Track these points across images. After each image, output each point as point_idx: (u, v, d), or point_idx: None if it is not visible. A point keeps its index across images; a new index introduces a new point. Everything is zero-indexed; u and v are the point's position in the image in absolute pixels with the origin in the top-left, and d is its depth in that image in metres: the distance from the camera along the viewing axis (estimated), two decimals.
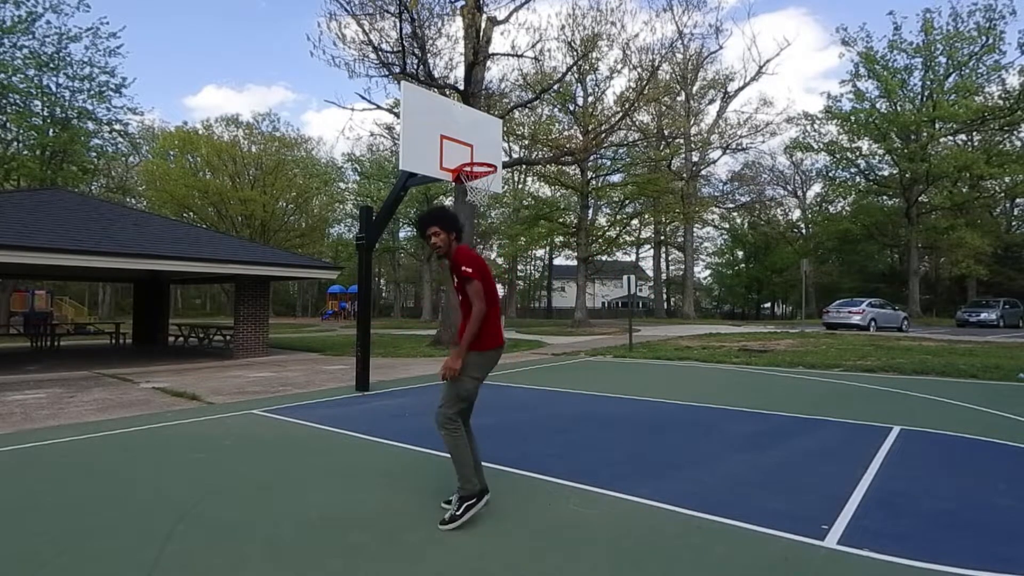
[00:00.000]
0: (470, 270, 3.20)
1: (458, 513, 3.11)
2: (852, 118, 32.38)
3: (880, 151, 33.82)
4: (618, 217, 34.62)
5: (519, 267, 44.21)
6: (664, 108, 33.09)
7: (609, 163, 31.72)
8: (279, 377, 9.80)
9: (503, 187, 18.17)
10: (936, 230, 33.43)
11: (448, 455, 3.24)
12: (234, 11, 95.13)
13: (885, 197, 37.64)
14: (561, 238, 33.93)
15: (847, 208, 41.66)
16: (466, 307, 3.30)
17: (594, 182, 31.25)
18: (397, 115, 14.94)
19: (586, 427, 5.78)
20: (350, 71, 16.34)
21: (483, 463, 3.56)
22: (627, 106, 20.55)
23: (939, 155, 31.38)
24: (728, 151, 39.89)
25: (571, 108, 28.12)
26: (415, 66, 15.08)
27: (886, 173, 35.05)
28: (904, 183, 32.48)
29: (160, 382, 9.10)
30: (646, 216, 37.34)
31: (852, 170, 36.35)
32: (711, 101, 39.13)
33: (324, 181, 43.33)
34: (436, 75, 15.66)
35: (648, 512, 3.36)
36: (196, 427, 5.82)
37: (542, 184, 35.35)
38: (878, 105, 32.40)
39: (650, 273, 47.87)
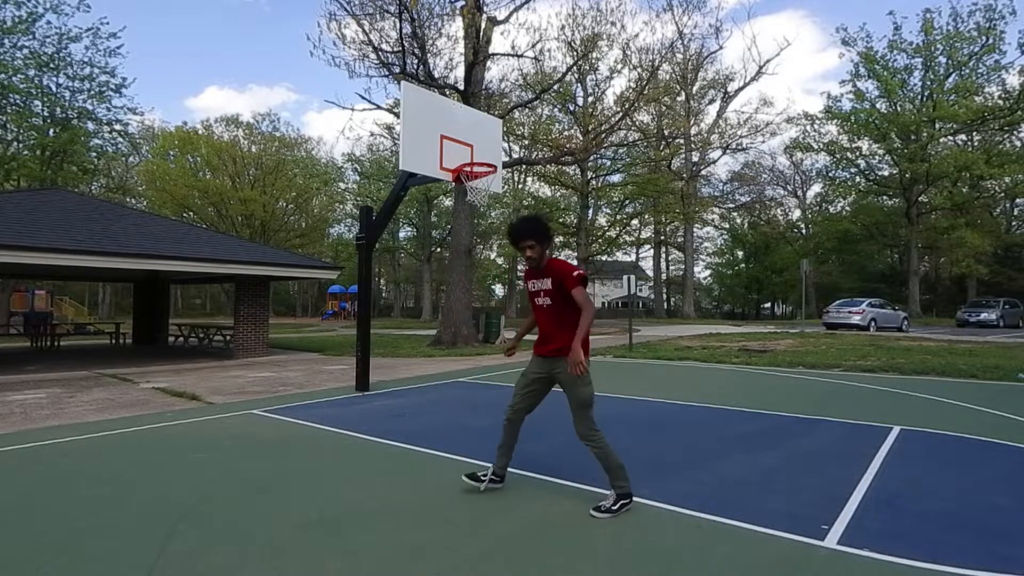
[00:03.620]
0: (578, 275, 3.42)
1: (613, 508, 3.28)
2: (852, 118, 32.40)
3: (880, 151, 33.85)
4: (618, 217, 34.67)
5: (519, 267, 44.18)
6: (664, 108, 33.15)
7: (609, 163, 31.77)
8: (279, 377, 9.80)
9: (503, 187, 18.17)
10: (936, 230, 33.43)
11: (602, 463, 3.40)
12: (235, 12, 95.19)
13: (885, 197, 37.67)
14: (561, 238, 33.96)
15: (847, 208, 41.68)
16: (559, 312, 3.44)
17: (594, 182, 31.30)
18: (397, 115, 14.93)
19: None
20: (350, 71, 16.37)
21: (484, 463, 3.70)
22: (627, 106, 20.56)
23: (939, 155, 31.39)
24: (728, 151, 39.94)
25: (571, 108, 28.16)
26: (415, 66, 15.08)
27: (886, 173, 35.07)
28: (904, 183, 32.49)
29: (160, 382, 9.10)
30: (646, 216, 37.38)
31: (852, 170, 36.37)
32: (711, 101, 39.20)
33: (324, 181, 43.34)
34: (436, 75, 15.66)
35: (648, 512, 3.36)
36: (196, 427, 5.82)
37: (542, 184, 35.40)
38: (878, 105, 32.42)
39: (650, 273, 47.89)
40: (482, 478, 3.68)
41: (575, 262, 32.00)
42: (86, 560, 2.78)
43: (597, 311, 48.82)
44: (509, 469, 3.79)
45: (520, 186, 37.88)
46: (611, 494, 3.34)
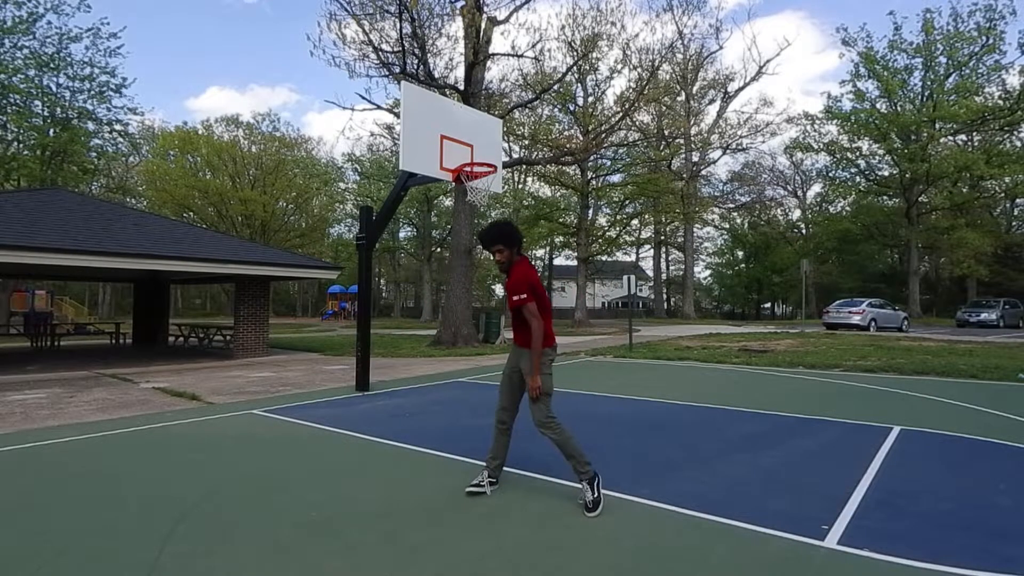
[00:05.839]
0: (523, 296, 3.49)
1: (595, 496, 3.35)
2: (852, 118, 32.36)
3: (880, 151, 33.81)
4: (618, 217, 34.63)
5: None
6: (664, 108, 33.07)
7: (609, 163, 31.72)
8: (279, 377, 9.80)
9: (503, 187, 18.17)
10: (936, 230, 33.41)
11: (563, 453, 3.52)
12: (238, 14, 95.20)
13: (885, 197, 37.62)
14: (561, 238, 33.98)
15: (847, 208, 41.65)
16: (516, 315, 3.62)
17: (594, 182, 31.25)
18: (397, 115, 14.93)
19: (586, 427, 5.77)
20: (350, 71, 16.36)
21: (484, 462, 3.77)
22: (627, 106, 20.54)
23: (939, 155, 31.36)
24: (728, 151, 39.90)
25: (571, 108, 28.12)
26: (415, 66, 15.08)
27: (886, 173, 35.04)
28: (904, 183, 32.47)
29: (160, 382, 9.10)
30: (646, 216, 37.34)
31: (852, 170, 36.34)
32: (711, 101, 39.14)
33: (324, 181, 43.33)
34: (436, 75, 15.66)
35: (648, 512, 3.36)
36: (196, 427, 5.82)
37: (542, 184, 35.34)
38: (878, 105, 32.39)
39: (650, 273, 47.87)
40: (481, 484, 3.68)
41: (575, 262, 32.04)
42: (86, 560, 2.78)
43: (596, 311, 48.21)
44: (509, 469, 3.80)
45: (520, 186, 37.84)
46: (584, 485, 3.40)
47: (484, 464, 3.79)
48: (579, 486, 3.47)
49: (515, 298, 3.51)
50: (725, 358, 11.90)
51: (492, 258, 3.73)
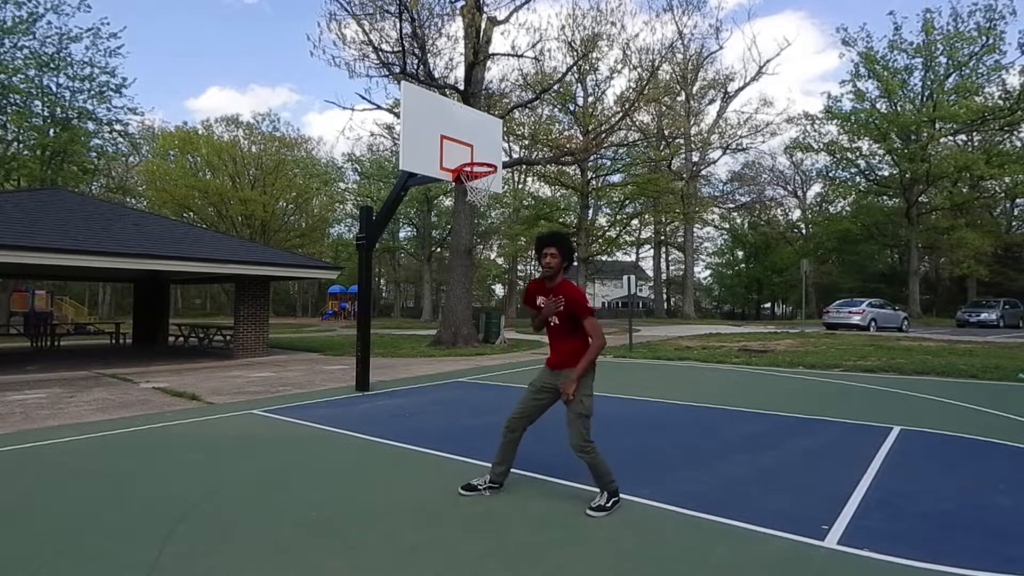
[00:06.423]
0: (592, 307, 3.48)
1: (607, 505, 3.36)
2: (852, 118, 32.35)
3: (880, 151, 33.80)
4: (618, 217, 34.65)
5: (519, 267, 44.14)
6: (664, 108, 33.06)
7: (609, 163, 31.74)
8: (279, 377, 9.80)
9: (503, 187, 18.17)
10: (936, 230, 33.41)
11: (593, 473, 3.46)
12: (238, 14, 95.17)
13: (885, 197, 37.61)
14: None
15: (847, 208, 41.64)
16: (566, 333, 3.50)
17: (594, 182, 31.28)
18: (397, 115, 14.93)
19: None
20: (350, 71, 16.35)
21: (484, 463, 3.78)
22: (627, 106, 20.54)
23: (939, 155, 31.35)
24: (728, 151, 39.86)
25: (571, 108, 28.15)
26: (415, 66, 15.08)
27: (886, 173, 35.02)
28: (904, 183, 32.46)
29: (160, 382, 9.10)
30: (646, 216, 37.35)
31: (852, 170, 36.33)
32: (711, 101, 39.10)
33: (324, 181, 43.32)
34: (436, 75, 15.66)
35: (648, 512, 3.36)
36: (196, 427, 5.82)
37: (542, 184, 35.37)
38: (878, 105, 32.38)
39: (650, 273, 47.87)
40: (479, 486, 3.67)
41: (575, 262, 32.04)
42: (86, 560, 2.78)
43: (596, 311, 49.03)
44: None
45: (520, 186, 37.86)
46: (601, 491, 3.41)
47: (489, 467, 3.76)
48: (578, 485, 3.47)
49: (588, 305, 3.46)
50: (725, 358, 11.90)
51: (542, 259, 3.53)
